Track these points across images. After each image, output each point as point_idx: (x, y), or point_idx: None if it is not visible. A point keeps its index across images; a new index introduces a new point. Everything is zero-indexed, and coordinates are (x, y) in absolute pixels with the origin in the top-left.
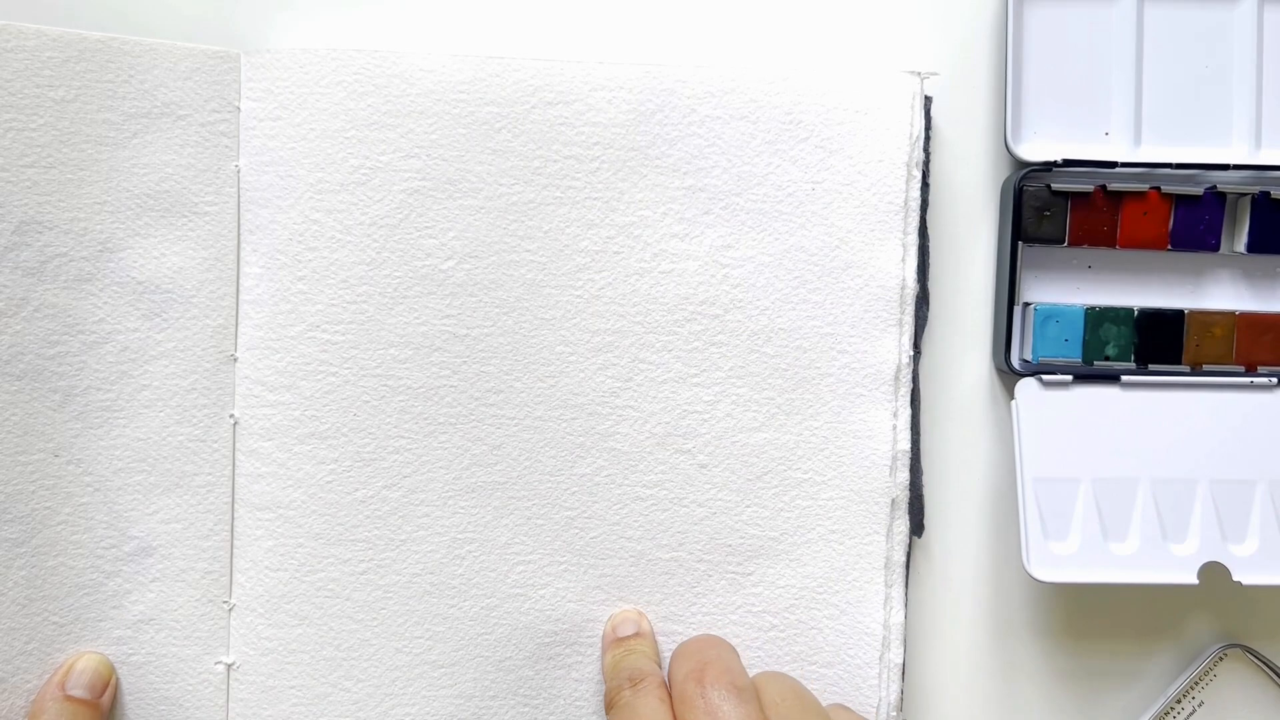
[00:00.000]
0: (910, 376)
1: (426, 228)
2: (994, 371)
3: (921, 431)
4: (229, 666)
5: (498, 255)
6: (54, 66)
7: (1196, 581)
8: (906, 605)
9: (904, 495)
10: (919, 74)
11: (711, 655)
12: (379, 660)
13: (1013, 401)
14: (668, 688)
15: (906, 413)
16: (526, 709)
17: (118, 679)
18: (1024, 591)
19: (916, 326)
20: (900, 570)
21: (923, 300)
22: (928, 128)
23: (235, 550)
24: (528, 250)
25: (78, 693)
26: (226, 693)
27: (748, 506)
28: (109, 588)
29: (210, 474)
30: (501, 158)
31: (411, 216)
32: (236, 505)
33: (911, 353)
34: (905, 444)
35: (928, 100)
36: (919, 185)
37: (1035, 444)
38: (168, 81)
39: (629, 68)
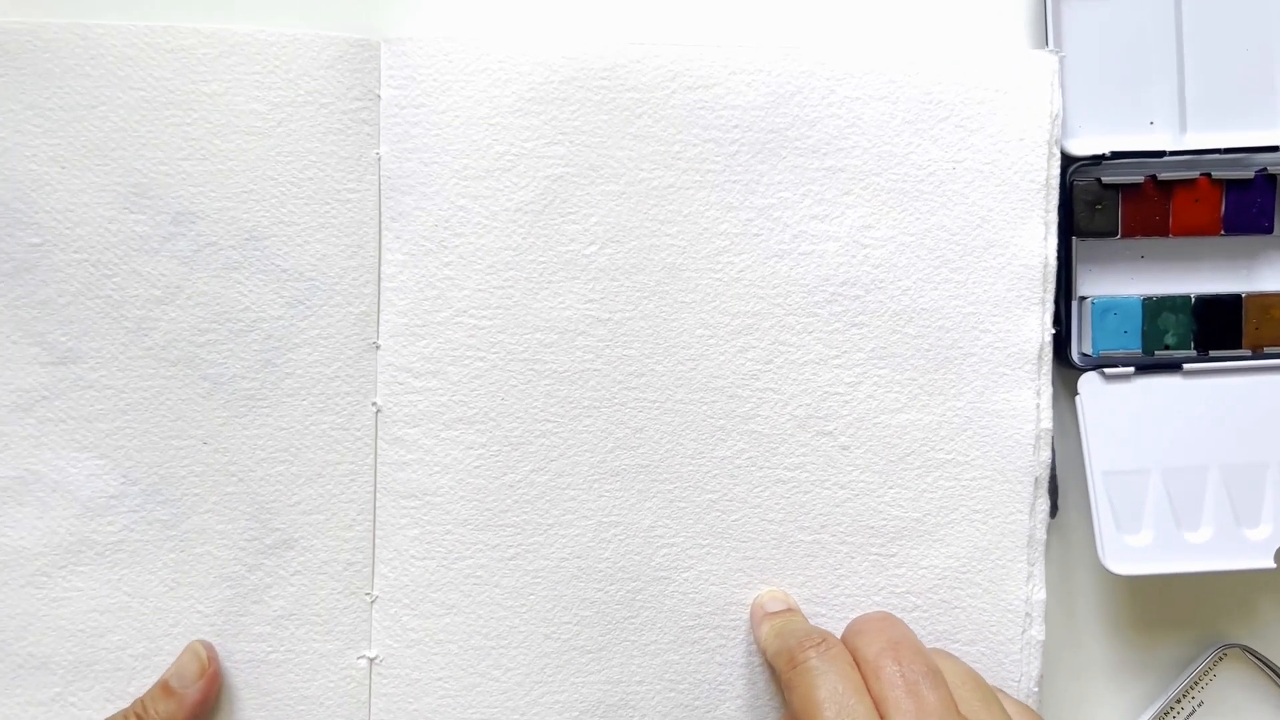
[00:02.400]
0: (1051, 355)
1: (570, 213)
2: (1054, 367)
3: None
4: (371, 660)
5: (639, 240)
6: (208, 63)
7: (1274, 565)
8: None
9: (1045, 474)
10: (1056, 53)
11: (899, 634)
12: (528, 647)
13: (1076, 397)
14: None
15: (1049, 391)
16: (672, 694)
17: (217, 669)
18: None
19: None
20: (1042, 548)
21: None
22: None
23: (378, 540)
24: (668, 234)
25: (172, 682)
26: (369, 688)
27: (890, 488)
28: (251, 581)
29: (353, 463)
30: (642, 143)
31: (555, 202)
32: (380, 494)
33: (1054, 331)
34: (1048, 422)
35: None
36: (1059, 163)
37: (1102, 438)
38: (311, 71)
39: (768, 50)
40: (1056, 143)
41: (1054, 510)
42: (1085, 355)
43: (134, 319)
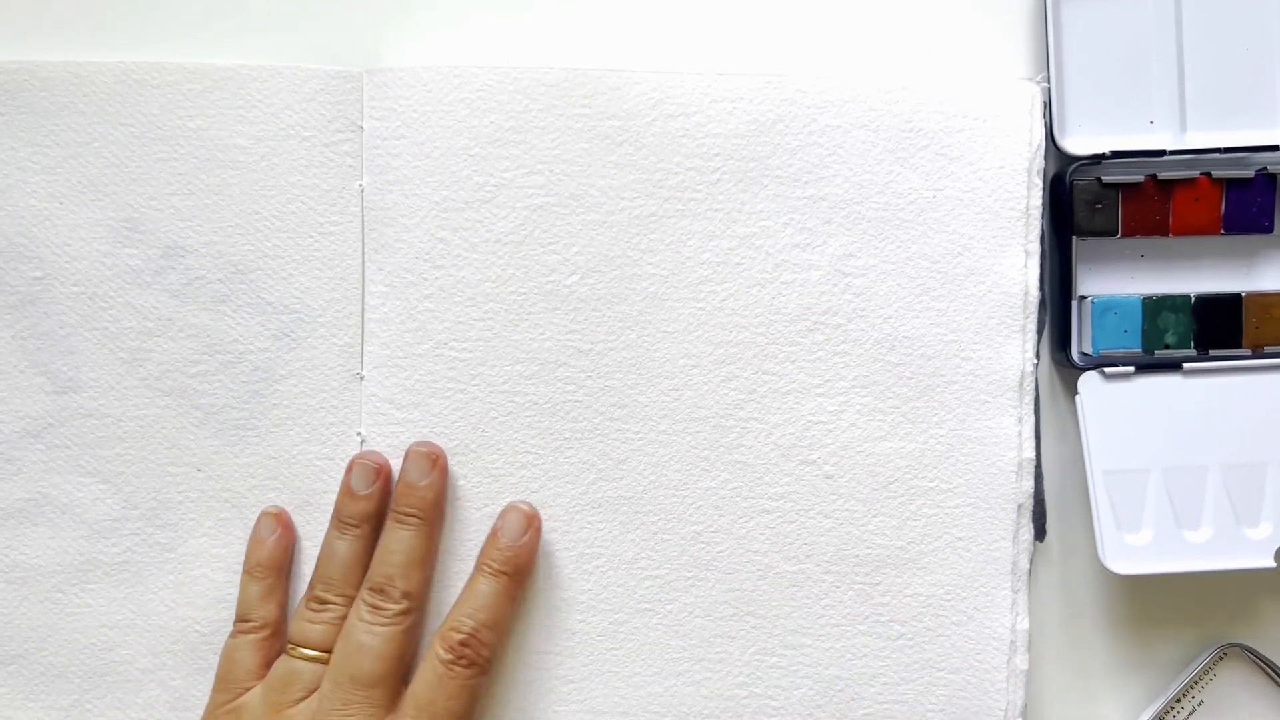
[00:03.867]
0: (1034, 383)
1: (550, 243)
2: (1052, 366)
3: (1040, 436)
4: None
5: (620, 269)
6: (192, 98)
7: (1274, 564)
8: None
9: (1029, 502)
10: (1038, 81)
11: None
12: (509, 675)
13: (1077, 396)
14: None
15: (1031, 419)
16: None
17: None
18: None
19: (1036, 332)
20: (1025, 576)
21: (1041, 305)
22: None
23: None
24: (650, 264)
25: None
26: None
27: (874, 516)
28: None
29: (337, 492)
30: (623, 171)
31: (536, 233)
32: None
33: (1035, 360)
34: (1030, 451)
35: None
36: (1040, 192)
37: (1102, 437)
38: (292, 104)
39: (748, 79)
40: (1038, 172)
41: (1041, 534)
42: (1085, 355)
43: (129, 350)
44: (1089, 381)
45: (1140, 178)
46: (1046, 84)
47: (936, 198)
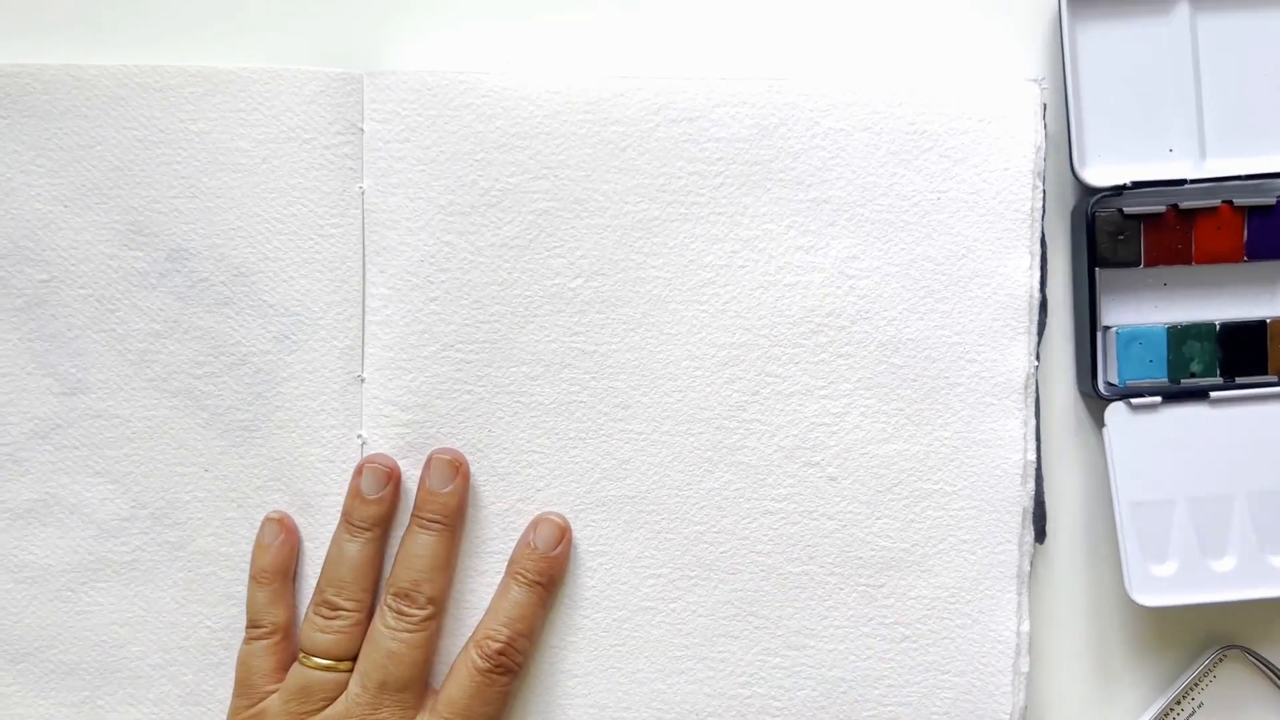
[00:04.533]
0: (1035, 385)
1: (555, 247)
2: (1078, 397)
3: (1041, 440)
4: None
5: (624, 272)
6: (194, 101)
7: None
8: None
9: (1031, 504)
10: (1038, 82)
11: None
12: None
13: (1104, 428)
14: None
15: (1034, 421)
16: None
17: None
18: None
19: (1037, 333)
20: (1027, 580)
21: (1042, 308)
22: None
23: None
24: (653, 267)
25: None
26: None
27: (878, 518)
28: None
29: (339, 494)
30: (627, 176)
31: (541, 237)
32: None
33: (1036, 362)
34: (1032, 454)
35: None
36: (1041, 194)
37: (1128, 468)
38: (293, 106)
39: (751, 83)
40: (1040, 174)
41: (1041, 536)
42: (1111, 385)
43: (136, 351)
44: (1116, 413)
45: (1162, 208)
46: (1045, 85)
47: (940, 200)
